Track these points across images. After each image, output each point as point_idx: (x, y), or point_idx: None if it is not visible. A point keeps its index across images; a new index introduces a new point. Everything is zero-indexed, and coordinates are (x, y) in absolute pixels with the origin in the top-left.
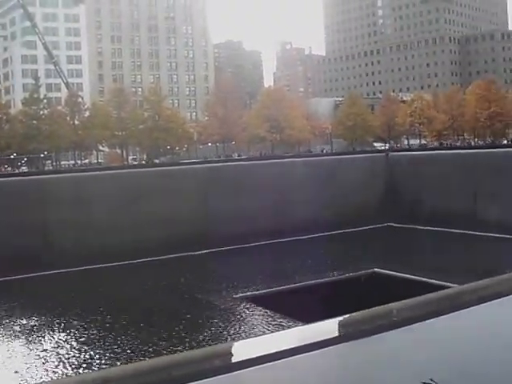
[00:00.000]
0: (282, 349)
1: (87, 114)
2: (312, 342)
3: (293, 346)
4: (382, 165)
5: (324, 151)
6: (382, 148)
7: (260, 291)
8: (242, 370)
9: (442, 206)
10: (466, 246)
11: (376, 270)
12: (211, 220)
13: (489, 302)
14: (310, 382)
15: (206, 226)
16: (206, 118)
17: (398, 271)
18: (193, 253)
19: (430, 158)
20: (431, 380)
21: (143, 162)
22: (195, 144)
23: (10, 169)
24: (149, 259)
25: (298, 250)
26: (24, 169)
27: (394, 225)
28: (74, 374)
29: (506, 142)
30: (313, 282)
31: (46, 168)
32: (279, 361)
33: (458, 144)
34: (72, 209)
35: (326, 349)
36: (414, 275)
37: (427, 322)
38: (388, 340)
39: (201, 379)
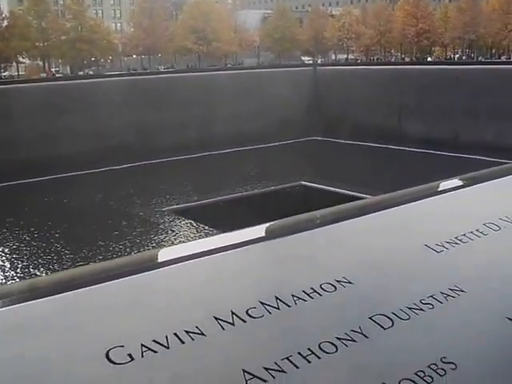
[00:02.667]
0: (203, 250)
1: (5, 23)
2: (235, 242)
3: (214, 247)
4: (308, 79)
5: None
6: (310, 62)
7: (187, 204)
8: (159, 269)
9: (366, 121)
10: (389, 159)
11: (302, 182)
12: (137, 133)
13: (405, 205)
14: (230, 278)
15: (131, 139)
16: (132, 29)
17: (323, 184)
18: (121, 166)
19: (356, 73)
20: (344, 278)
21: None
22: (120, 56)
23: None
24: (78, 173)
25: (224, 163)
26: None
27: (320, 138)
28: None
29: (430, 59)
30: (240, 194)
31: None
32: (199, 259)
33: (384, 60)
34: None
35: (249, 246)
36: (338, 188)
37: (346, 222)
38: (308, 240)
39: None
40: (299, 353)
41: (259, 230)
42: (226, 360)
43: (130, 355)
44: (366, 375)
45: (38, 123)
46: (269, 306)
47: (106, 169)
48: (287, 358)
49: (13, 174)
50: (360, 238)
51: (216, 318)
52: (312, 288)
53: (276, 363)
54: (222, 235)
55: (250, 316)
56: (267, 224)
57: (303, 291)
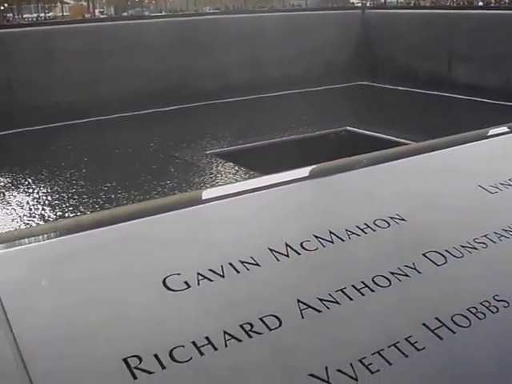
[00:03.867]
0: (253, 187)
1: None
2: (284, 180)
3: (263, 185)
4: (357, 22)
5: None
6: (359, 5)
7: (230, 147)
8: (212, 202)
9: (414, 66)
10: (437, 106)
11: (348, 127)
12: (182, 75)
13: (455, 147)
14: (282, 213)
15: (178, 81)
16: None
17: (368, 130)
18: (166, 108)
19: (406, 16)
20: (397, 215)
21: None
22: None
23: None
24: (123, 115)
25: (269, 106)
26: None
27: (367, 83)
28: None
29: (481, 3)
30: (283, 138)
31: (7, 22)
32: (250, 194)
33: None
34: (38, 65)
35: (299, 183)
36: (384, 133)
37: (397, 161)
38: (359, 178)
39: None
40: (353, 285)
41: (306, 171)
42: (281, 290)
43: (186, 283)
44: (420, 309)
45: (84, 65)
46: (323, 239)
47: (151, 111)
48: (341, 290)
49: (57, 117)
50: (412, 177)
51: (271, 250)
52: (366, 223)
53: (330, 294)
54: (269, 176)
55: (304, 249)
56: (314, 166)
57: (357, 226)
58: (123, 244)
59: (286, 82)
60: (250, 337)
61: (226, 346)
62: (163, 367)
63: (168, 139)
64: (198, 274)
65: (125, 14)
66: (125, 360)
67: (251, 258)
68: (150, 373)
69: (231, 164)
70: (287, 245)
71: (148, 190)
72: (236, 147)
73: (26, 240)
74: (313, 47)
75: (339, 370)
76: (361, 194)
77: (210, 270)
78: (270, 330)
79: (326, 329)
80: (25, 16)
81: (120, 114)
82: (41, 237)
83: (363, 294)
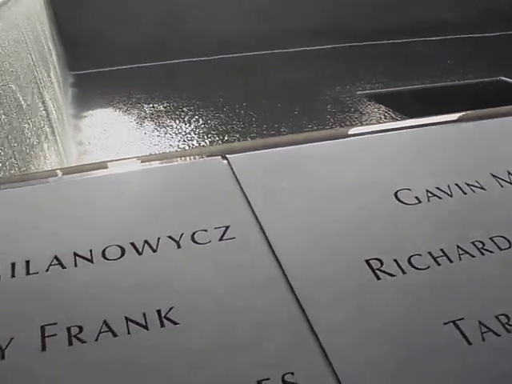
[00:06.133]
0: (396, 127)
1: None
2: (431, 122)
3: (402, 126)
4: None
5: None
6: None
7: (383, 89)
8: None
9: None
10: None
11: (501, 78)
12: (337, 14)
13: None
14: (428, 150)
15: (332, 19)
16: None
17: None
18: (325, 46)
19: None
20: None
21: None
22: None
23: None
24: (271, 52)
25: (420, 52)
26: None
27: None
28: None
29: None
30: (434, 84)
31: None
32: (392, 132)
33: None
34: None
35: (449, 125)
36: None
37: None
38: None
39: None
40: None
41: (452, 116)
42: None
43: (416, 198)
44: None
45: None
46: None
47: (302, 49)
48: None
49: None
50: None
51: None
52: None
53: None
54: (413, 119)
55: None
56: (462, 113)
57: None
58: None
59: (440, 28)
60: (483, 254)
61: (458, 259)
62: (403, 272)
63: (322, 78)
64: (427, 191)
65: None
66: (367, 261)
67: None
68: (391, 275)
69: (379, 105)
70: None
71: (299, 125)
72: (386, 90)
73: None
74: None
75: None
76: None
77: (438, 188)
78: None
79: None
80: None
81: (278, 50)
82: None
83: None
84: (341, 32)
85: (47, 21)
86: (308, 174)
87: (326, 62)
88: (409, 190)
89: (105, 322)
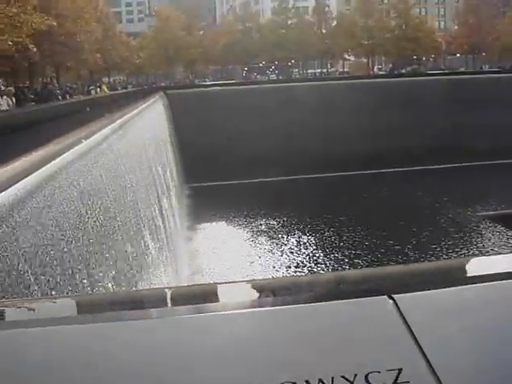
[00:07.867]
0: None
1: (334, 23)
2: None
3: None
4: None
5: None
6: None
7: (504, 211)
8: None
9: None
10: None
11: None
12: (456, 134)
13: None
14: None
15: (449, 139)
16: (456, 27)
17: None
18: (436, 166)
19: None
20: None
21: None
22: (443, 54)
23: (258, 76)
24: (388, 170)
25: None
26: (272, 76)
27: None
28: (309, 274)
29: None
30: None
31: (294, 76)
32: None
33: None
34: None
35: None
36: None
37: None
38: None
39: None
40: None
41: None
42: None
43: None
44: None
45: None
46: None
47: (422, 168)
48: None
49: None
50: None
51: None
52: None
53: None
54: None
55: None
56: None
57: None
58: None
59: None
60: None
61: None
62: None
63: (440, 196)
64: None
65: (402, 70)
66: None
67: None
68: None
69: (502, 228)
70: None
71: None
72: (508, 211)
73: None
74: None
75: None
76: None
77: None
78: None
79: None
80: (309, 71)
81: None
82: None
83: None
84: (456, 151)
85: (168, 132)
86: (476, 318)
87: (443, 181)
88: None
89: None
